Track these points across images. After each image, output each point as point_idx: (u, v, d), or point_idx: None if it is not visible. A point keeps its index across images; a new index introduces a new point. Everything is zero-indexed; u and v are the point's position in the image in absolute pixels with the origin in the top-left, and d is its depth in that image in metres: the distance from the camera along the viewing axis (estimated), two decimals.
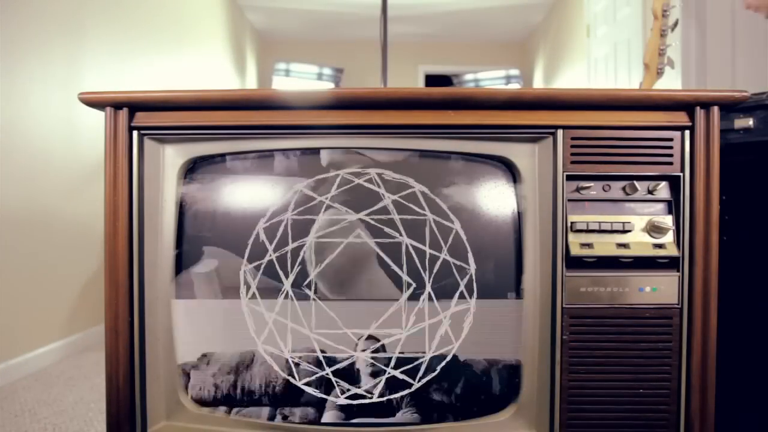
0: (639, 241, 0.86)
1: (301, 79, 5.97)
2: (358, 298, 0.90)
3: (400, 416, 0.90)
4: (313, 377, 0.90)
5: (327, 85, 6.01)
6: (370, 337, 0.90)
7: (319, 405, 0.90)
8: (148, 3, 3.31)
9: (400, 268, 0.89)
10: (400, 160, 0.90)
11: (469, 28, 6.09)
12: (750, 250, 1.16)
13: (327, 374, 0.90)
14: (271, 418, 0.91)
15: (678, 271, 0.86)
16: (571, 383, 0.86)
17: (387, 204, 0.89)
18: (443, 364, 0.90)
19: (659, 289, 0.86)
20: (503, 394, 0.90)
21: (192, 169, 0.91)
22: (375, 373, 0.90)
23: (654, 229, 0.86)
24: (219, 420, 0.90)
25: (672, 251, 0.85)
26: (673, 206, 0.87)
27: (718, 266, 0.85)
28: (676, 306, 0.86)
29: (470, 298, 0.89)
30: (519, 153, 0.88)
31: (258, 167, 0.91)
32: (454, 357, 0.90)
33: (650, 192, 0.87)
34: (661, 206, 0.88)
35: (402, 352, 0.90)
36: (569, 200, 0.87)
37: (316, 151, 0.90)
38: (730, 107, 0.88)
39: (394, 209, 0.89)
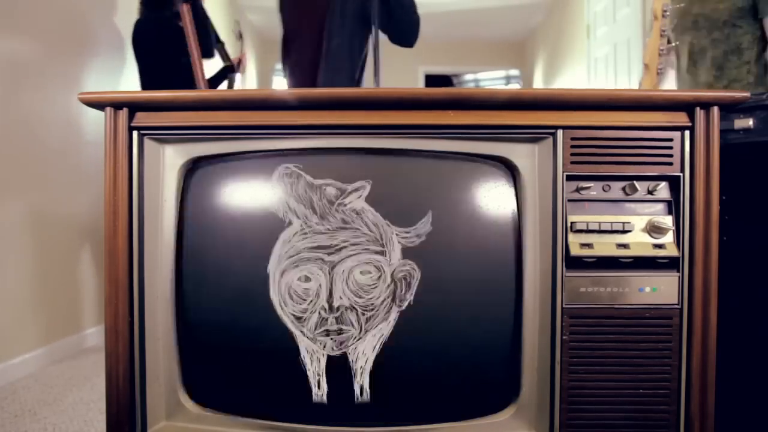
0: (639, 242, 0.86)
1: None
2: (354, 295, 0.90)
3: (397, 414, 0.90)
4: (311, 375, 0.90)
5: None
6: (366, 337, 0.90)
7: (317, 403, 0.91)
8: None
9: (399, 267, 0.89)
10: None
11: (469, 28, 6.09)
12: (750, 250, 1.16)
13: (324, 373, 0.90)
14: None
15: (678, 271, 0.86)
16: (571, 383, 0.86)
17: (385, 202, 0.89)
18: (443, 363, 0.90)
19: (659, 290, 0.86)
20: (502, 394, 0.90)
21: (192, 168, 0.91)
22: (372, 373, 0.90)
23: (654, 229, 0.86)
24: (219, 420, 0.91)
25: (672, 251, 0.85)
26: (673, 206, 0.87)
27: (718, 266, 0.85)
28: (676, 306, 0.86)
29: (469, 297, 0.89)
30: (519, 153, 0.88)
31: (260, 167, 0.91)
32: (454, 356, 0.90)
33: (650, 192, 0.87)
34: (661, 206, 0.88)
35: (398, 353, 0.90)
36: (569, 200, 0.87)
37: (317, 150, 0.90)
38: (730, 107, 0.88)
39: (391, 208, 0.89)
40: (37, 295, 2.27)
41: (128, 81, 2.91)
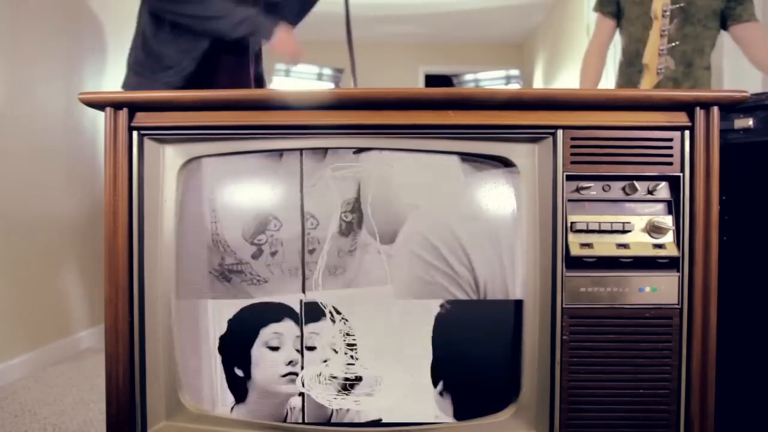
0: (639, 242, 0.86)
1: (301, 80, 5.97)
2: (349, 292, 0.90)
3: (399, 414, 0.90)
4: (311, 375, 0.91)
5: (327, 85, 6.01)
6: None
7: (317, 404, 0.91)
8: None
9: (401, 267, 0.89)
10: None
11: (469, 28, 6.09)
12: (750, 250, 1.16)
13: (323, 372, 0.90)
14: (271, 417, 0.91)
15: (678, 271, 0.86)
16: (571, 383, 0.86)
17: (386, 201, 0.90)
18: (444, 363, 0.90)
19: (659, 289, 0.86)
20: (503, 394, 0.90)
21: (191, 168, 0.91)
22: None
23: (654, 229, 0.86)
24: (219, 420, 0.91)
25: (672, 251, 0.85)
26: (673, 206, 0.87)
27: (718, 266, 0.85)
28: (676, 306, 0.86)
29: (469, 297, 0.89)
30: (519, 153, 0.88)
31: (260, 166, 0.91)
32: (455, 356, 0.90)
33: (650, 192, 0.87)
34: (661, 206, 0.88)
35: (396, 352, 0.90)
36: (569, 200, 0.87)
37: (318, 150, 0.90)
38: (730, 107, 0.88)
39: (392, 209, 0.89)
40: (36, 294, 2.27)
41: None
